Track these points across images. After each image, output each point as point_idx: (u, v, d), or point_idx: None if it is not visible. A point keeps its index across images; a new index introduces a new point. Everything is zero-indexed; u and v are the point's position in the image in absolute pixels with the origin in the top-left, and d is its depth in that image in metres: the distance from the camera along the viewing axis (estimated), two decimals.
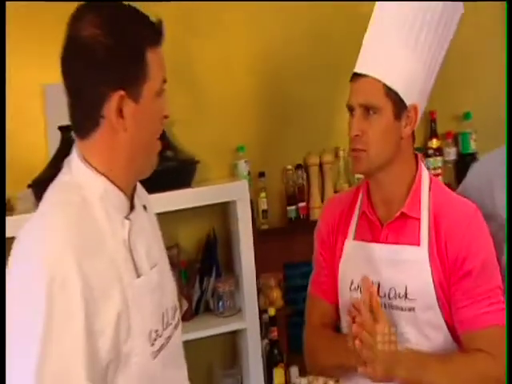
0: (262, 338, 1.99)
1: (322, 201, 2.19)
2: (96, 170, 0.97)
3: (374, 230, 1.28)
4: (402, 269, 1.22)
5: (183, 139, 2.04)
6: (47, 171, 1.80)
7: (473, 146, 2.34)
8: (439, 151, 2.32)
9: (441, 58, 1.30)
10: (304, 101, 2.21)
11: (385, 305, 1.23)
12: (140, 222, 1.04)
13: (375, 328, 1.17)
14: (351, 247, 1.31)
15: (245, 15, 2.14)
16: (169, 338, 1.05)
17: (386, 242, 1.25)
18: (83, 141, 0.98)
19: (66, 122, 1.79)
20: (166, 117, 1.03)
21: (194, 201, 1.90)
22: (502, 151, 1.47)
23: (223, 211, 2.10)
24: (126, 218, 1.00)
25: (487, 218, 1.26)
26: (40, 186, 1.75)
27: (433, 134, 2.33)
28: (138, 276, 0.99)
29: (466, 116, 2.35)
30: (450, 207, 1.25)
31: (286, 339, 2.12)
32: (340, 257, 1.32)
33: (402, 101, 1.21)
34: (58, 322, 0.85)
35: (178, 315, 1.13)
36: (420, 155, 1.33)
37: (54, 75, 1.79)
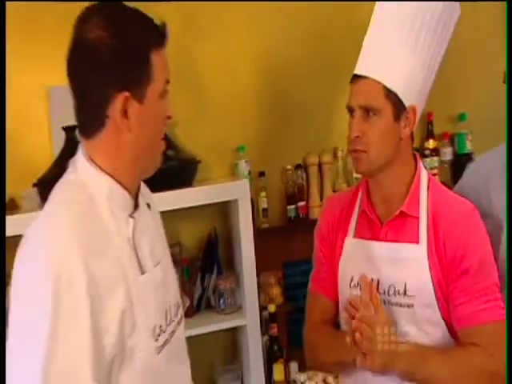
0: (263, 334, 1.99)
1: (321, 200, 2.19)
2: (101, 169, 0.98)
3: (374, 228, 1.28)
4: (402, 266, 1.22)
5: (185, 139, 2.04)
6: (51, 171, 1.80)
7: (468, 147, 2.34)
8: (436, 151, 2.33)
9: (439, 58, 1.30)
10: (303, 102, 2.21)
11: (384, 302, 1.24)
12: (144, 220, 1.04)
13: (375, 320, 1.18)
14: (351, 245, 1.31)
15: (245, 16, 2.14)
16: (172, 333, 1.05)
17: (385, 239, 1.26)
18: (89, 141, 0.99)
19: (70, 122, 1.81)
20: (169, 117, 1.04)
21: (196, 200, 1.90)
22: (498, 151, 1.47)
23: (224, 210, 2.10)
24: (131, 216, 1.00)
25: (484, 217, 1.26)
26: (44, 186, 1.77)
27: (429, 134, 2.33)
28: (142, 273, 0.99)
29: (462, 117, 2.36)
30: (448, 206, 1.25)
31: (286, 335, 2.12)
32: (340, 254, 1.32)
33: (401, 102, 1.22)
34: (64, 320, 0.85)
35: (180, 311, 1.13)
36: (418, 155, 1.33)
37: (58, 77, 1.80)
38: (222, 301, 2.01)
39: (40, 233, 0.93)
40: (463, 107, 2.36)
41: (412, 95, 1.23)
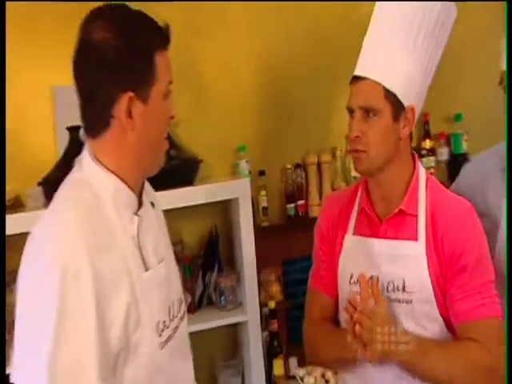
0: (263, 330, 1.99)
1: (320, 199, 2.20)
2: (106, 168, 0.98)
3: (373, 226, 1.28)
4: (400, 263, 1.23)
5: (186, 139, 2.04)
6: (56, 170, 1.81)
7: (464, 147, 2.34)
8: (432, 151, 2.33)
9: (437, 59, 1.30)
10: (303, 102, 2.21)
11: (384, 298, 1.24)
12: (148, 218, 1.04)
13: (375, 311, 1.18)
14: (351, 242, 1.31)
15: (246, 17, 2.14)
16: (176, 328, 1.06)
17: (384, 237, 1.26)
18: (94, 140, 0.99)
19: (75, 122, 1.82)
20: (172, 117, 1.04)
21: (197, 198, 1.90)
22: (494, 151, 1.48)
23: (225, 209, 2.11)
24: (135, 214, 1.00)
25: (480, 216, 1.26)
26: (49, 184, 1.77)
27: (426, 135, 2.33)
28: (147, 270, 0.99)
29: (458, 118, 2.36)
30: (446, 205, 1.26)
31: (286, 331, 2.13)
32: (340, 251, 1.32)
33: (400, 102, 1.22)
34: (70, 313, 0.85)
35: (183, 308, 1.13)
36: (417, 155, 1.33)
37: (63, 77, 1.81)
38: (222, 298, 2.01)
39: (46, 230, 0.93)
40: (459, 108, 2.36)
41: (411, 96, 1.23)
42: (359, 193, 1.34)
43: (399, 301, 1.23)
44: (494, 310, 1.20)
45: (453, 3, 1.30)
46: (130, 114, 0.95)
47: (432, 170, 2.28)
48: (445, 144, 2.36)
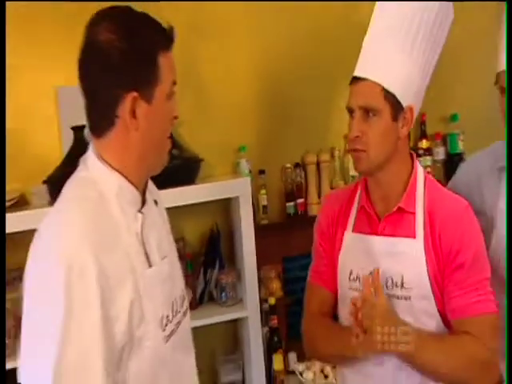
0: (263, 325, 1.99)
1: (319, 197, 2.20)
2: (111, 166, 0.98)
3: (372, 224, 1.29)
4: (399, 260, 1.23)
5: (188, 139, 2.04)
6: (60, 169, 1.81)
7: (460, 147, 2.34)
8: (429, 151, 2.33)
9: (435, 60, 1.30)
10: (302, 103, 2.21)
11: None
12: (151, 215, 1.05)
13: (375, 303, 1.18)
14: (350, 239, 1.31)
15: (246, 18, 2.13)
16: (178, 323, 1.06)
17: (383, 234, 1.26)
18: (99, 139, 0.99)
19: (79, 122, 1.83)
20: (175, 117, 1.04)
21: (199, 197, 1.90)
22: (489, 151, 1.48)
23: (226, 207, 2.11)
24: (139, 211, 1.00)
25: (476, 214, 1.27)
26: (54, 183, 1.78)
27: (423, 135, 2.33)
28: (150, 267, 0.99)
29: (454, 118, 2.36)
30: (444, 203, 1.26)
31: (285, 327, 2.13)
32: (339, 248, 1.33)
33: (399, 103, 1.22)
34: (76, 309, 0.85)
35: (186, 303, 1.14)
36: (415, 154, 1.33)
37: (66, 77, 1.82)
38: (223, 294, 2.02)
39: (52, 229, 0.93)
40: (455, 108, 2.36)
41: (409, 96, 1.24)
42: (358, 191, 1.34)
43: (398, 297, 1.23)
44: (490, 306, 1.21)
45: (450, 3, 1.30)
46: (134, 114, 0.95)
47: (428, 170, 2.28)
48: (441, 144, 2.36)
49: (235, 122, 2.16)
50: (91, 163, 0.99)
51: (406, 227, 1.24)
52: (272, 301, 2.06)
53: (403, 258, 1.23)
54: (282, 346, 2.07)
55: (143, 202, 1.03)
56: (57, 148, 1.94)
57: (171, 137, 1.06)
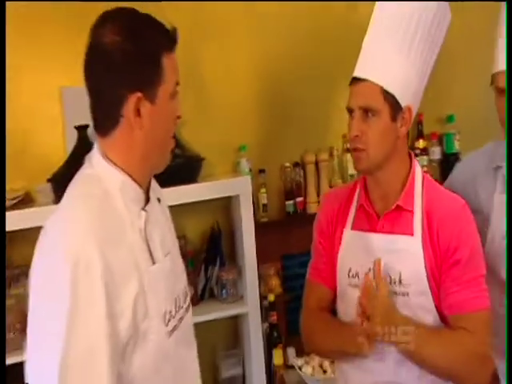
0: (263, 321, 1.99)
1: (318, 196, 2.20)
2: (115, 165, 0.98)
3: (371, 221, 1.29)
4: (397, 257, 1.23)
5: (190, 138, 2.04)
6: (65, 167, 1.81)
7: (456, 146, 2.34)
8: (425, 151, 2.33)
9: (432, 61, 1.31)
10: (301, 104, 2.21)
11: None
12: (155, 213, 1.05)
13: (376, 294, 1.18)
14: (349, 236, 1.31)
15: (246, 18, 2.13)
16: (181, 319, 1.06)
17: (382, 231, 1.26)
18: (104, 138, 0.99)
19: (83, 122, 1.83)
20: (178, 117, 1.04)
21: (200, 195, 1.91)
22: (484, 151, 1.48)
23: (226, 205, 2.11)
24: (143, 209, 1.00)
25: (472, 212, 1.27)
26: (58, 181, 1.78)
27: (419, 134, 2.34)
28: (154, 263, 0.99)
29: (450, 118, 2.36)
30: (441, 201, 1.26)
31: (284, 323, 2.13)
32: (339, 246, 1.33)
33: (397, 103, 1.22)
34: (82, 304, 0.85)
35: (188, 299, 1.14)
36: (413, 154, 1.34)
37: (70, 78, 1.82)
38: (224, 291, 2.02)
39: (58, 226, 0.93)
40: (451, 109, 2.36)
41: (408, 96, 1.24)
42: (357, 190, 1.35)
43: (396, 293, 1.23)
44: (485, 302, 1.21)
45: (447, 4, 1.30)
46: (138, 114, 0.95)
47: (425, 169, 2.28)
48: (437, 144, 2.36)
49: (235, 122, 2.16)
50: (96, 161, 0.99)
51: (404, 225, 1.25)
52: (271, 297, 2.07)
53: (401, 255, 1.23)
54: (281, 341, 2.07)
55: (147, 200, 1.04)
56: (61, 147, 1.94)
57: (174, 136, 1.06)
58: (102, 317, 0.87)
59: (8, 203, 1.72)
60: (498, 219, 1.36)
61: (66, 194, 0.98)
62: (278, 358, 2.03)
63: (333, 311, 1.39)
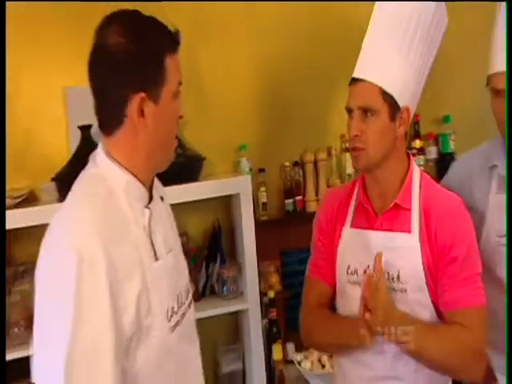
0: (262, 317, 1.99)
1: (317, 195, 2.20)
2: (119, 164, 0.98)
3: (370, 219, 1.29)
4: (395, 254, 1.23)
5: (191, 138, 2.05)
6: (68, 166, 1.81)
7: (452, 146, 2.35)
8: (421, 151, 2.33)
9: (430, 62, 1.31)
10: (300, 104, 2.21)
11: None
12: (158, 211, 1.05)
13: (378, 287, 1.18)
14: (349, 234, 1.32)
15: (246, 19, 2.12)
16: (183, 315, 1.06)
17: (380, 229, 1.27)
18: (108, 138, 0.99)
19: (86, 121, 1.83)
20: (181, 117, 1.04)
21: (201, 194, 1.90)
22: (479, 151, 1.49)
23: (227, 203, 2.11)
24: (146, 207, 1.01)
25: (468, 210, 1.27)
26: (62, 180, 1.78)
27: (416, 135, 2.34)
28: (157, 260, 0.99)
29: (446, 119, 2.37)
30: (439, 200, 1.26)
31: (284, 319, 2.13)
32: (338, 243, 1.33)
33: (396, 103, 1.22)
34: (86, 302, 0.86)
35: (190, 296, 1.14)
36: (411, 153, 1.34)
37: (74, 78, 1.82)
38: (225, 288, 2.01)
39: (63, 224, 0.93)
40: (447, 110, 2.37)
41: (406, 97, 1.24)
42: (356, 188, 1.35)
43: (394, 289, 1.23)
44: (481, 300, 1.22)
45: (444, 4, 1.30)
46: (142, 114, 0.95)
47: (421, 168, 2.28)
48: (433, 143, 2.37)
49: (236, 122, 2.16)
50: (100, 160, 0.99)
51: (402, 222, 1.25)
52: (271, 294, 2.07)
53: (400, 252, 1.23)
54: (280, 336, 2.07)
55: (150, 198, 1.04)
56: (64, 147, 1.94)
57: (176, 136, 1.06)
58: (107, 313, 0.87)
59: (13, 202, 1.72)
60: (493, 218, 1.36)
61: (70, 193, 0.98)
62: (277, 353, 2.04)
63: (332, 308, 1.39)
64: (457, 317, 1.21)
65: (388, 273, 1.23)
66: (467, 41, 2.25)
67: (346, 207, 1.34)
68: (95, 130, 1.02)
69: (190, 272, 1.95)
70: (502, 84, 1.27)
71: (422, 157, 2.32)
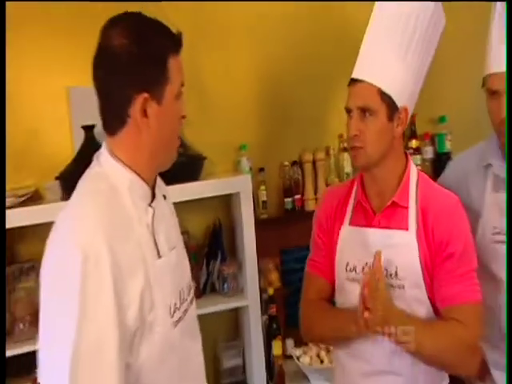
0: (262, 314, 2.00)
1: (315, 193, 2.20)
2: (123, 163, 0.98)
3: (368, 217, 1.29)
4: (393, 251, 1.23)
5: (192, 138, 2.04)
6: (72, 165, 1.81)
7: (448, 146, 2.35)
8: (418, 150, 2.33)
9: (428, 62, 1.31)
10: (300, 105, 2.21)
11: None
12: (161, 209, 1.05)
13: (378, 286, 1.18)
14: (347, 232, 1.32)
15: (246, 19, 2.12)
16: (185, 311, 1.06)
17: (378, 226, 1.27)
18: (112, 137, 0.99)
19: (90, 121, 1.82)
20: (183, 117, 1.05)
21: (202, 192, 1.91)
22: (475, 150, 1.49)
23: (227, 202, 2.11)
24: (149, 205, 1.01)
25: (464, 208, 1.28)
26: (65, 179, 1.78)
27: (412, 135, 2.34)
28: (160, 257, 0.99)
29: (442, 119, 2.37)
30: (436, 198, 1.27)
31: (283, 315, 2.13)
32: (337, 241, 1.33)
33: (394, 103, 1.23)
34: (91, 298, 0.86)
35: (192, 292, 1.14)
36: (409, 153, 1.34)
37: (78, 78, 1.81)
38: (225, 285, 2.01)
39: (68, 222, 0.93)
40: (443, 110, 2.37)
41: (404, 97, 1.24)
42: (355, 187, 1.35)
43: (392, 286, 1.24)
44: (477, 296, 1.22)
45: (441, 4, 1.30)
46: (145, 114, 0.95)
47: (418, 168, 2.28)
48: (430, 143, 2.37)
49: (236, 123, 2.16)
50: (104, 159, 1.00)
51: (400, 220, 1.25)
52: (271, 291, 2.07)
53: (397, 249, 1.24)
54: (280, 332, 2.07)
55: (153, 197, 1.04)
56: (68, 146, 1.93)
57: (178, 136, 1.06)
58: (111, 310, 0.87)
59: (17, 200, 1.72)
60: (489, 215, 1.36)
61: (75, 192, 0.98)
62: (277, 348, 2.04)
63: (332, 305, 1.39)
64: (453, 313, 1.21)
65: (386, 269, 1.23)
66: (463, 41, 2.24)
67: (344, 205, 1.35)
68: (99, 130, 1.02)
69: (191, 269, 1.96)
70: (498, 85, 1.27)
71: (418, 156, 2.32)
